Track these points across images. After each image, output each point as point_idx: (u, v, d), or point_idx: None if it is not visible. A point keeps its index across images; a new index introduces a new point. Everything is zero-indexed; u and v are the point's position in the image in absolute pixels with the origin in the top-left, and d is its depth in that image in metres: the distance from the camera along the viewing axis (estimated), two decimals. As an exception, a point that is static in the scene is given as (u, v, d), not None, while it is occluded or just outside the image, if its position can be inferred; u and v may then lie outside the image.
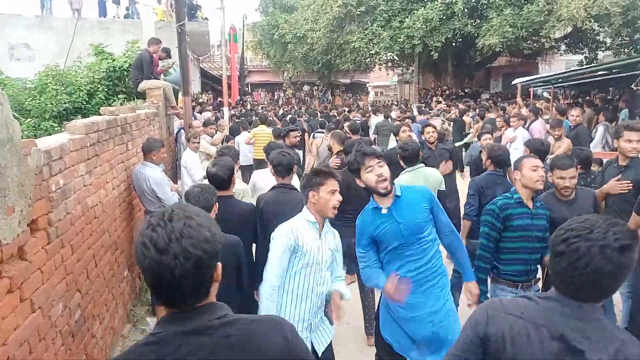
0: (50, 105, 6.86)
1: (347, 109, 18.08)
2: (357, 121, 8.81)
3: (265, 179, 4.37)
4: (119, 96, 7.60)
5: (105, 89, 7.72)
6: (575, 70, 13.47)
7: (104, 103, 7.56)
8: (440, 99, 16.95)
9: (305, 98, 34.34)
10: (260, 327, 1.25)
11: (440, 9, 18.71)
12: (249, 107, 20.80)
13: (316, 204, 2.71)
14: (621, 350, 1.32)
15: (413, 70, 28.67)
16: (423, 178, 4.21)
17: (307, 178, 2.77)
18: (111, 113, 4.37)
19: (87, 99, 7.45)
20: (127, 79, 7.92)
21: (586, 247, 1.34)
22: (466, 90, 25.55)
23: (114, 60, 7.89)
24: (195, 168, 6.18)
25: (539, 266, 3.27)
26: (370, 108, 18.98)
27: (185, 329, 1.19)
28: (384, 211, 2.78)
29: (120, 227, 4.25)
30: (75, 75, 7.64)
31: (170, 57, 7.93)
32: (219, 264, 1.24)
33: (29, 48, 12.77)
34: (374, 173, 2.75)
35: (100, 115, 4.37)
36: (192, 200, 2.79)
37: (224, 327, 1.21)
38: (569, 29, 16.90)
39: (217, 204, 2.92)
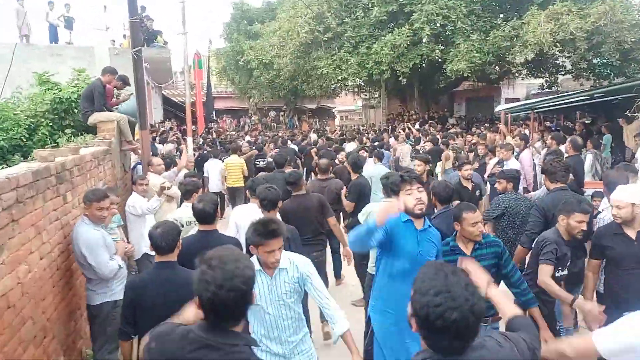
0: (-19, 144, 5.88)
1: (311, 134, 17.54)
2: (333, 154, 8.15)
3: (245, 216, 4.33)
4: (65, 131, 6.69)
5: (50, 123, 6.79)
6: (567, 94, 13.28)
7: (48, 139, 6.63)
8: (416, 124, 16.57)
9: (272, 124, 33.80)
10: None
11: (408, 34, 18.55)
12: (214, 135, 19.92)
13: (258, 257, 2.74)
14: None
15: (379, 95, 28.64)
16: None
17: (250, 232, 2.69)
18: (43, 159, 3.52)
19: (28, 135, 6.50)
20: (76, 112, 7.03)
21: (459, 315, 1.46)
22: (432, 115, 25.60)
23: (60, 91, 6.98)
24: (144, 204, 5.34)
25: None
26: (337, 135, 18.53)
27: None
28: (417, 226, 3.13)
29: (52, 306, 3.38)
30: (13, 108, 6.68)
31: (129, 85, 7.09)
32: (254, 293, 1.74)
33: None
34: (413, 197, 3.11)
35: (28, 161, 3.51)
36: (157, 242, 2.83)
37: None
38: (532, 54, 16.97)
39: (180, 241, 2.99)
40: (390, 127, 24.03)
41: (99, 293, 3.77)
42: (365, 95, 31.66)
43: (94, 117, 6.59)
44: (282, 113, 34.86)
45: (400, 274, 3.12)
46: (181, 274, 2.85)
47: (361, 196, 6.06)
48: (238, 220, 4.51)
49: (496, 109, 16.08)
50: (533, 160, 7.98)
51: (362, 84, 26.21)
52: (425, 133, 14.61)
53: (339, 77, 20.33)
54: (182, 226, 4.12)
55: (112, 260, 3.76)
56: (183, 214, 4.56)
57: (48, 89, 7.18)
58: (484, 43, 18.47)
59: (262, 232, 2.63)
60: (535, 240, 3.69)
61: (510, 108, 14.57)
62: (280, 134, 23.73)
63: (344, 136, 17.71)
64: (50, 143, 6.62)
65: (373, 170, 8.40)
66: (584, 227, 3.40)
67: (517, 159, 7.58)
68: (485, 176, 8.13)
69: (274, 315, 2.80)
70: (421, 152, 10.40)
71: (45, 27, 13.86)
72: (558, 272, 3.47)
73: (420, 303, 1.51)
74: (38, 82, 7.38)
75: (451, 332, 1.47)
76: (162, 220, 5.70)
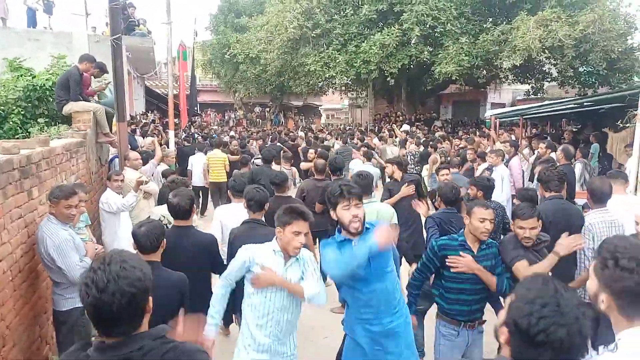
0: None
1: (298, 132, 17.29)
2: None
3: (229, 215, 4.39)
4: (38, 120, 6.32)
5: (22, 112, 6.41)
6: (557, 102, 13.24)
7: (19, 129, 6.27)
8: (403, 126, 16.42)
9: (257, 120, 33.44)
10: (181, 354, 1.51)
11: (397, 35, 18.41)
12: (192, 129, 19.48)
13: (281, 240, 2.80)
14: None
15: (366, 95, 28.47)
16: (375, 212, 4.28)
17: (280, 213, 2.81)
18: (6, 151, 3.22)
19: (-3, 124, 6.14)
20: (51, 100, 6.67)
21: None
22: (419, 117, 25.55)
23: (33, 78, 6.60)
24: (118, 200, 5.04)
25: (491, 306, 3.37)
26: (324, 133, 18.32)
27: (120, 354, 1.45)
28: (354, 244, 2.80)
29: (13, 312, 3.08)
30: (-19, 94, 6.30)
31: (106, 73, 6.74)
32: (150, 298, 1.53)
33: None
34: (350, 212, 2.81)
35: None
36: (140, 241, 2.84)
37: (156, 349, 1.49)
38: (521, 60, 16.97)
39: (164, 240, 2.96)
40: (376, 127, 23.91)
41: (67, 298, 3.48)
42: (352, 94, 31.43)
43: (69, 107, 6.25)
44: (267, 109, 34.50)
45: (360, 281, 2.86)
46: (164, 274, 2.83)
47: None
48: (223, 220, 4.43)
49: (486, 114, 16.03)
50: (521, 167, 7.87)
51: (350, 82, 26.01)
52: (411, 135, 14.47)
53: (327, 75, 20.09)
54: (170, 223, 3.98)
55: (82, 262, 3.48)
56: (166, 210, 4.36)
57: (20, 76, 6.79)
58: (472, 46, 18.44)
59: (293, 212, 2.74)
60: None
61: (500, 113, 14.49)
62: (266, 130, 23.45)
63: (330, 135, 17.53)
64: (22, 133, 6.27)
65: (361, 169, 8.48)
66: (526, 233, 3.24)
67: (507, 166, 7.46)
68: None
69: (277, 305, 2.79)
70: (409, 154, 10.24)
71: (23, 11, 13.32)
72: None
73: (522, 311, 1.35)
74: (9, 68, 6.99)
75: (552, 350, 1.31)
76: (138, 218, 5.55)
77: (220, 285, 2.94)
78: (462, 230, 3.31)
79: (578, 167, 7.38)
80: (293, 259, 2.84)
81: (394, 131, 15.38)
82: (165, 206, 4.44)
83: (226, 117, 33.28)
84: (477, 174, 8.04)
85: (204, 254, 3.50)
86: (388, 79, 19.90)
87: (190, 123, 21.72)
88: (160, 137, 11.96)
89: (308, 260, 2.92)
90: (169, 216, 4.03)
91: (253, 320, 2.81)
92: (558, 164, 6.24)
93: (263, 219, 3.88)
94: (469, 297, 3.19)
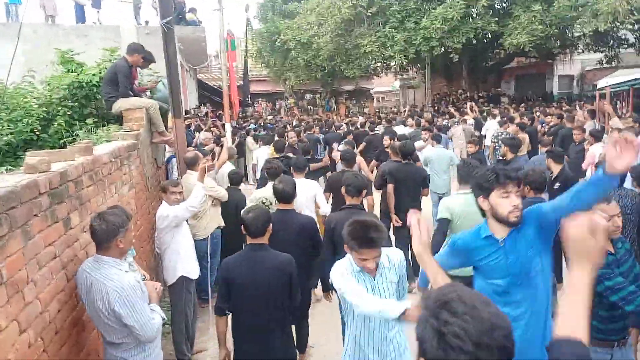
0: (-20, 141, 4.81)
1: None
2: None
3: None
4: (87, 121, 5.58)
5: (68, 112, 5.68)
6: None
7: (66, 132, 5.55)
8: (469, 105, 14.99)
9: (309, 107, 32.58)
10: None
11: (461, 7, 16.80)
12: (253, 121, 18.79)
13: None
14: None
15: (424, 74, 26.83)
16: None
17: (345, 232, 2.50)
18: (31, 169, 2.35)
19: (42, 127, 5.43)
20: (99, 98, 5.92)
21: None
22: (481, 94, 23.81)
23: (79, 74, 5.85)
24: (180, 208, 4.22)
25: None
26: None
27: None
28: (501, 243, 2.45)
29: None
30: (23, 95, 5.60)
31: (153, 62, 5.90)
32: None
33: (-11, 61, 10.75)
34: (510, 202, 2.40)
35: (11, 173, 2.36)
36: (249, 225, 2.96)
37: None
38: (605, 25, 15.03)
39: (271, 224, 3.07)
40: (436, 107, 22.43)
41: None
42: (408, 74, 29.88)
43: (119, 104, 5.47)
44: (318, 96, 33.53)
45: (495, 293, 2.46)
46: (271, 256, 3.02)
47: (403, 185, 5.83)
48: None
49: (601, 83, 14.39)
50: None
51: (407, 62, 24.57)
52: (491, 113, 13.15)
53: (384, 56, 18.78)
54: (271, 205, 4.47)
55: (152, 314, 2.60)
56: (268, 193, 4.71)
57: (70, 71, 6.07)
58: (546, 14, 16.65)
59: (358, 238, 2.44)
60: None
61: (617, 84, 12.81)
62: (318, 117, 22.49)
63: (380, 119, 16.33)
64: (69, 136, 5.54)
65: (432, 153, 7.95)
66: None
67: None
68: (584, 165, 6.80)
69: (377, 321, 2.57)
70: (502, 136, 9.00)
71: (72, 7, 12.88)
72: None
73: None
74: (60, 60, 6.28)
75: None
76: (207, 229, 5.18)
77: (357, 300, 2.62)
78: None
79: None
80: (381, 266, 2.59)
81: (470, 110, 14.03)
82: (264, 189, 4.96)
83: (277, 106, 32.63)
84: (588, 155, 6.76)
85: (306, 234, 3.84)
86: (451, 55, 18.35)
87: (244, 114, 21.10)
88: (218, 132, 11.26)
89: (402, 272, 2.70)
90: (271, 198, 4.45)
91: (362, 342, 2.65)
92: None
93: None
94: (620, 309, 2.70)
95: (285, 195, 3.85)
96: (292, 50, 23.56)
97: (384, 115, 19.96)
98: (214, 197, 5.24)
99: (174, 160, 6.58)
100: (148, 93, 6.43)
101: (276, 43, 24.38)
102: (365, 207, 4.68)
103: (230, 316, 3.07)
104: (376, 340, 2.61)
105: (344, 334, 2.95)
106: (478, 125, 12.73)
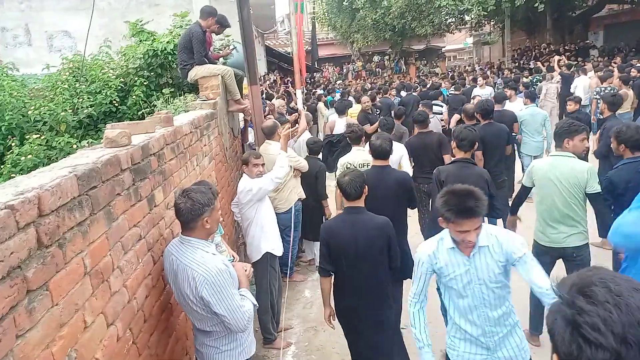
0: (63, 113, 4.78)
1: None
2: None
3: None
4: (163, 91, 5.44)
5: (145, 82, 5.57)
6: None
7: (144, 102, 5.45)
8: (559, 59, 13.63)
9: (377, 69, 31.49)
10: None
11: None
12: (315, 87, 18.36)
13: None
14: None
15: (502, 28, 24.91)
16: (569, 167, 3.49)
17: (439, 202, 2.30)
18: (111, 143, 2.12)
19: (120, 99, 5.35)
20: (174, 67, 5.77)
21: None
22: (567, 47, 21.69)
23: (153, 42, 5.70)
24: (265, 179, 3.97)
25: None
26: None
27: None
28: None
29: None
30: (101, 66, 5.53)
31: (228, 27, 5.62)
32: None
33: (69, 36, 10.97)
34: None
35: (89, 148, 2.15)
36: (345, 189, 2.99)
37: None
38: None
39: (366, 187, 3.05)
40: (517, 63, 20.82)
41: (223, 351, 2.41)
42: (483, 29, 27.94)
43: (194, 72, 5.26)
44: (386, 57, 32.31)
45: None
46: (369, 218, 3.04)
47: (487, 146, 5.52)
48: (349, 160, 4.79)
49: None
50: None
51: (485, 14, 22.91)
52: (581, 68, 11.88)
53: (460, 9, 17.53)
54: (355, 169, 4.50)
55: (243, 300, 2.36)
56: (356, 157, 4.77)
57: (142, 41, 5.95)
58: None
59: (454, 207, 2.22)
60: None
61: None
62: (388, 80, 21.61)
63: (455, 80, 15.28)
64: (147, 107, 5.45)
65: (525, 112, 7.42)
66: None
67: None
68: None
69: (472, 301, 2.37)
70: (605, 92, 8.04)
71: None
72: None
73: None
74: (132, 32, 6.17)
75: None
76: (289, 201, 4.93)
77: (412, 305, 2.58)
78: None
79: None
80: (475, 248, 2.32)
81: (557, 64, 12.83)
82: (349, 155, 4.90)
83: (344, 70, 31.85)
84: None
85: (402, 189, 3.83)
86: (535, 4, 16.74)
87: (312, 79, 20.70)
88: (290, 99, 10.97)
89: (513, 252, 2.31)
90: (355, 162, 4.59)
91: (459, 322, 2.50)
92: None
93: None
94: None
95: (382, 151, 3.84)
96: (360, 10, 22.67)
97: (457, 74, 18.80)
98: (294, 168, 4.96)
99: (251, 129, 6.37)
100: (221, 60, 6.20)
101: (344, 3, 23.52)
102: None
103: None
104: (480, 321, 2.41)
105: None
106: (567, 82, 11.57)
